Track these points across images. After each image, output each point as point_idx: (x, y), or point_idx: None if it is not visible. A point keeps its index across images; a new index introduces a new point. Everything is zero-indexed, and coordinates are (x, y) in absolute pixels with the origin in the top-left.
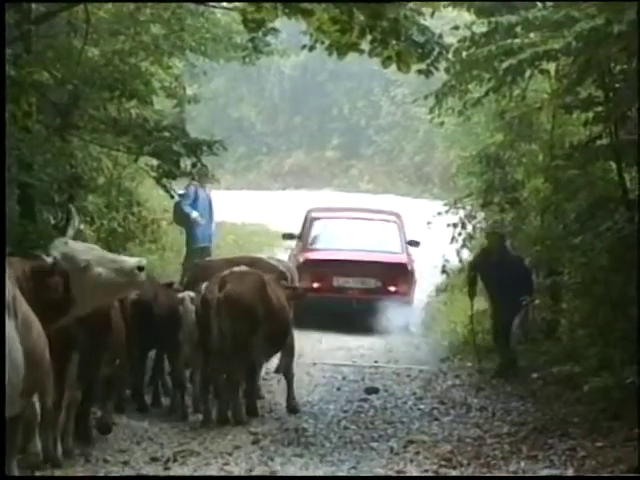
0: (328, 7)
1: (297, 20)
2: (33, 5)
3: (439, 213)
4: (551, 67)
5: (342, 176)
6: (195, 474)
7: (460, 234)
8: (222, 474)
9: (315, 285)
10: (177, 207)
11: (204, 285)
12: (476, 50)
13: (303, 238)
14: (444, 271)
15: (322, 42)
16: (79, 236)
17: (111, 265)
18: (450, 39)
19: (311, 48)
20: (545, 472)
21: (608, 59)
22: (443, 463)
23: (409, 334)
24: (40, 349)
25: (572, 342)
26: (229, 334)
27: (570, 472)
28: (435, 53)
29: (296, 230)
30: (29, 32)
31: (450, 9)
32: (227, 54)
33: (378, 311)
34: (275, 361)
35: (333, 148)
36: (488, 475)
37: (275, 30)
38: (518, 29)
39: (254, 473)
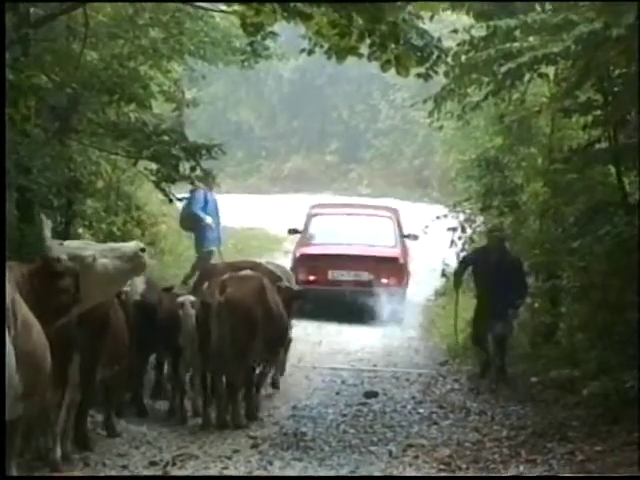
0: (327, 11)
1: (296, 24)
2: (31, 8)
3: (438, 217)
4: (550, 71)
5: (341, 180)
6: None
7: (460, 238)
8: None
9: (311, 278)
10: (186, 211)
11: (204, 288)
12: (475, 54)
13: (302, 233)
14: (444, 274)
15: (321, 46)
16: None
17: (113, 254)
18: (449, 43)
19: (310, 52)
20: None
21: (607, 63)
22: (442, 467)
23: (402, 328)
24: (40, 351)
25: (571, 346)
26: (229, 337)
27: None
28: (434, 57)
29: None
30: (27, 35)
31: (449, 13)
32: (226, 58)
33: (371, 302)
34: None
35: (332, 152)
36: (485, 475)
37: (274, 34)
38: (517, 33)
39: None
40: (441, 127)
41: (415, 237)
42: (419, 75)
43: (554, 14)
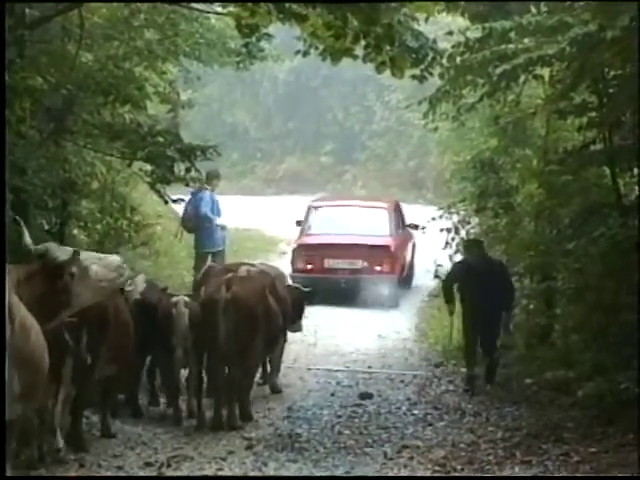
0: (322, 12)
1: (291, 25)
2: (27, 10)
3: (433, 218)
4: (545, 72)
5: (336, 181)
6: None
7: (453, 239)
8: None
9: (308, 267)
10: (192, 212)
11: (203, 289)
12: (470, 55)
13: (302, 225)
14: (437, 276)
15: (316, 47)
16: (72, 240)
17: (101, 262)
18: (444, 44)
19: (305, 53)
20: None
21: (602, 64)
22: (437, 468)
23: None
24: (39, 353)
25: (566, 347)
26: (234, 334)
27: None
28: (429, 58)
29: None
30: (23, 37)
31: (444, 14)
32: (221, 59)
33: (364, 288)
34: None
35: (327, 153)
36: (478, 475)
37: (269, 35)
38: (512, 35)
39: None
40: (436, 128)
41: (415, 227)
42: (414, 77)
43: (549, 16)
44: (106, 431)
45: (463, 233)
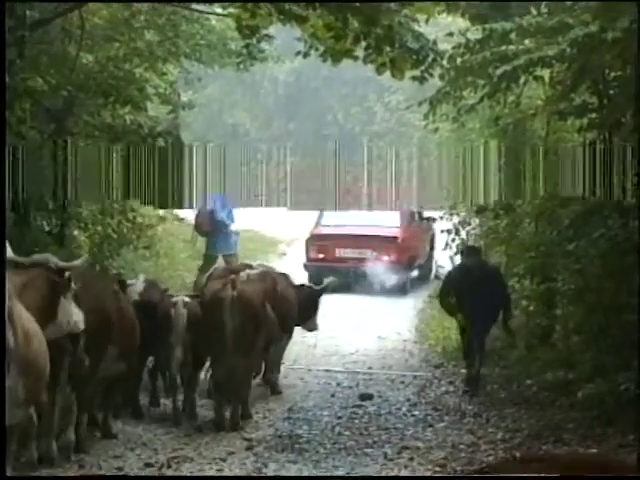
0: (323, 13)
1: (291, 26)
2: (27, 11)
3: (434, 219)
4: (545, 73)
5: None
6: None
7: (454, 240)
8: None
9: (320, 256)
10: (208, 216)
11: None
12: (470, 57)
13: (317, 217)
14: (437, 277)
15: (316, 48)
16: (73, 242)
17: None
18: (444, 45)
19: (305, 54)
20: None
21: (602, 66)
22: (437, 469)
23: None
24: (42, 360)
25: (566, 348)
26: (240, 332)
27: None
28: (429, 60)
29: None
30: (23, 38)
31: (444, 15)
32: (221, 60)
33: (373, 276)
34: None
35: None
36: (477, 475)
37: (269, 36)
38: (512, 36)
39: None
40: (436, 129)
41: (433, 220)
42: (414, 78)
43: (549, 17)
44: (107, 432)
45: (464, 234)
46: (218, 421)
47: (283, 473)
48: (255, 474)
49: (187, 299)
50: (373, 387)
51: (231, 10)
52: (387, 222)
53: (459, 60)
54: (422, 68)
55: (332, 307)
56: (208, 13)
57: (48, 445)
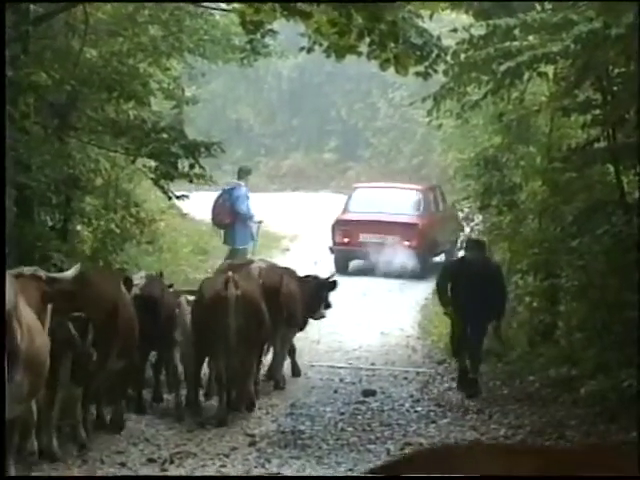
0: (326, 9)
1: (295, 22)
2: (31, 6)
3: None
4: (549, 70)
5: (339, 178)
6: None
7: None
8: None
9: (345, 240)
10: (228, 208)
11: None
12: (474, 53)
13: (344, 204)
14: None
15: (320, 44)
16: (76, 237)
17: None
18: (448, 41)
19: (309, 50)
20: None
21: (606, 62)
22: None
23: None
24: (43, 356)
25: (569, 345)
26: (245, 329)
27: None
28: (433, 55)
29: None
30: (27, 33)
31: (448, 11)
32: (225, 56)
33: (394, 260)
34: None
35: (331, 150)
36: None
37: (273, 32)
38: (516, 32)
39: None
40: (440, 126)
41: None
42: (418, 74)
43: (553, 13)
44: (119, 423)
45: (467, 230)
46: (221, 416)
47: (286, 469)
48: (258, 470)
49: (190, 296)
50: (376, 383)
51: (235, 5)
52: (409, 210)
53: (463, 56)
54: (426, 64)
55: (355, 287)
56: (212, 8)
57: (48, 440)
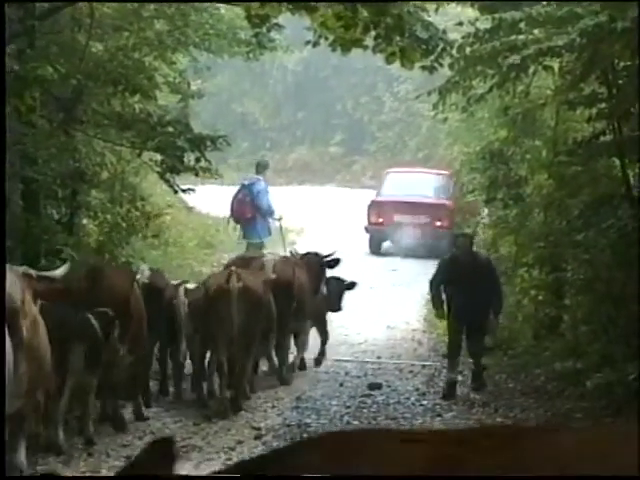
0: (332, 3)
1: (301, 16)
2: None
3: None
4: (555, 63)
5: (345, 172)
6: (198, 470)
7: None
8: None
9: (380, 220)
10: (249, 202)
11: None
12: (480, 46)
13: (378, 188)
14: None
15: (326, 38)
16: (82, 230)
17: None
18: (454, 35)
19: (315, 44)
20: None
21: (612, 55)
22: None
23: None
24: (44, 348)
25: (575, 338)
26: (246, 322)
27: None
28: (439, 49)
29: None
30: (33, 27)
31: (454, 5)
32: (231, 50)
33: (427, 239)
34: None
35: (336, 144)
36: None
37: (279, 26)
38: (522, 25)
39: None
40: (445, 119)
41: None
42: (424, 67)
43: (559, 6)
44: (139, 416)
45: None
46: (220, 407)
47: None
48: None
49: (189, 286)
50: (382, 376)
51: None
52: (439, 192)
53: (468, 50)
54: (431, 58)
55: (388, 265)
56: (217, 2)
57: (55, 433)
